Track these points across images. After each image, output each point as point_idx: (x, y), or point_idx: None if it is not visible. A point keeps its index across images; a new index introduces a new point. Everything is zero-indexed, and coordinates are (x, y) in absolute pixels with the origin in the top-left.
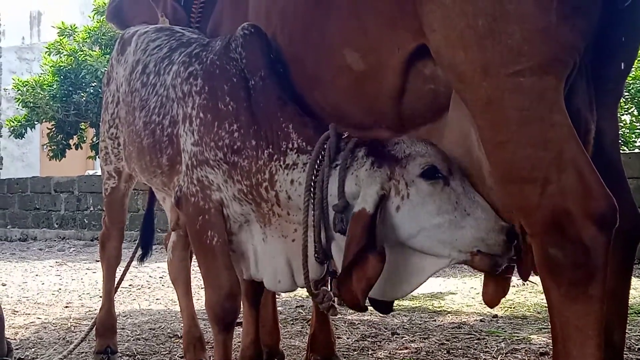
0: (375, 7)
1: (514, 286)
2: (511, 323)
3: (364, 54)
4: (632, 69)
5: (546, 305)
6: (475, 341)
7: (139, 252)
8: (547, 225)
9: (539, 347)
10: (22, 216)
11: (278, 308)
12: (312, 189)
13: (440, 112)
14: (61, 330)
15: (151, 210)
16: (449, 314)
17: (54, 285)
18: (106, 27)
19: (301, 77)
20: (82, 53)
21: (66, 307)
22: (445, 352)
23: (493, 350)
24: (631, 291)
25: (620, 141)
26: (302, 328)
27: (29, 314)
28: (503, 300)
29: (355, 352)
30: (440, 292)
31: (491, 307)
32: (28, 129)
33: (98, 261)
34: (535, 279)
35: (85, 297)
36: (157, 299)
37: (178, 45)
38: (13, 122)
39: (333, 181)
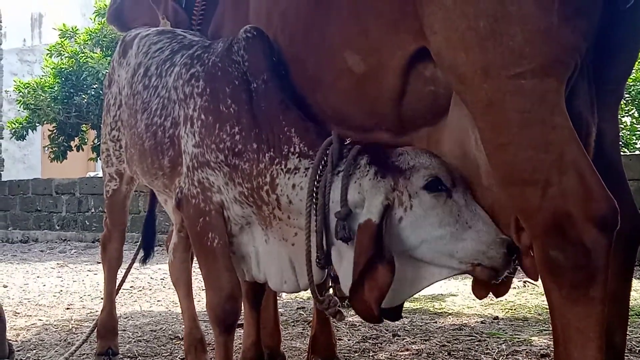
0: (376, 9)
1: (515, 288)
2: (512, 325)
3: (364, 55)
4: (633, 71)
5: (547, 306)
6: (476, 343)
7: (141, 253)
8: (548, 228)
9: (540, 349)
10: (23, 218)
11: (279, 310)
12: (314, 195)
13: (441, 113)
14: (62, 332)
15: (152, 212)
16: (450, 316)
17: (55, 287)
18: (107, 29)
19: (302, 79)
20: (83, 55)
21: (67, 308)
22: (446, 353)
23: (494, 352)
24: (632, 293)
25: (620, 143)
26: (303, 330)
27: (30, 315)
28: (504, 301)
29: (356, 354)
30: (441, 294)
31: (480, 299)
32: (29, 130)
33: (99, 263)
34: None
35: (87, 298)
36: (158, 301)
37: (180, 48)
38: (14, 124)
39: (336, 188)
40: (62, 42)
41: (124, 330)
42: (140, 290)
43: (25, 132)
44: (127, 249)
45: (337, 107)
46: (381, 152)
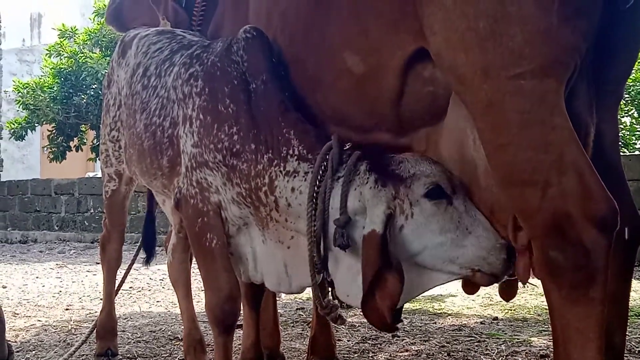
0: (375, 10)
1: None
2: (511, 325)
3: (364, 56)
4: (633, 71)
5: (547, 307)
6: (476, 343)
7: (142, 254)
8: (547, 228)
9: (540, 350)
10: (22, 218)
11: (278, 310)
12: (314, 200)
13: (440, 114)
14: (62, 333)
15: (151, 213)
16: (449, 317)
17: (55, 288)
18: (107, 29)
19: (302, 79)
20: (82, 55)
21: (67, 309)
22: (445, 354)
23: (493, 353)
24: (631, 293)
25: (620, 143)
26: (302, 330)
27: (29, 316)
28: (503, 302)
29: (356, 355)
30: (441, 295)
31: (507, 301)
32: (28, 131)
33: (98, 263)
34: (535, 281)
35: (86, 299)
36: (157, 302)
37: (179, 48)
38: (13, 124)
39: (335, 194)
40: (61, 42)
41: (123, 331)
42: (140, 291)
43: (24, 133)
44: (127, 250)
45: (336, 107)
46: (381, 158)
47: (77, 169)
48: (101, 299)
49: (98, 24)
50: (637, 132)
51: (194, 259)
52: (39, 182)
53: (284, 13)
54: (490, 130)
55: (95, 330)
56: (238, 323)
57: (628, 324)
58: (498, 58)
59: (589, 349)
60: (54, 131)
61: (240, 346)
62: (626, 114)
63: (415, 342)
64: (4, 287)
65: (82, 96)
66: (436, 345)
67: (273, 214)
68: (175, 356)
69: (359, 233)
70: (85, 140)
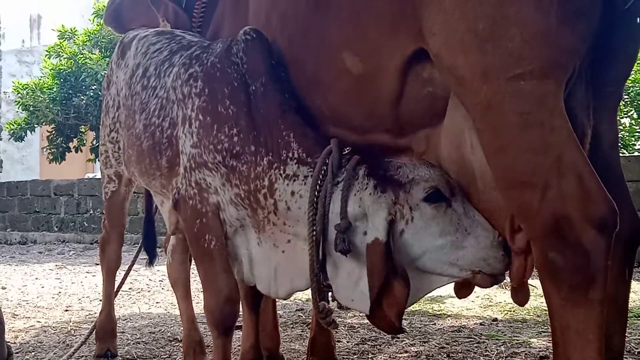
0: (375, 11)
1: None
2: (511, 327)
3: (363, 57)
4: (632, 72)
5: (546, 308)
6: (475, 345)
7: (144, 256)
8: (547, 230)
9: (539, 351)
10: (21, 219)
11: (278, 312)
12: (314, 205)
13: (439, 115)
14: (61, 334)
15: (150, 214)
16: (448, 318)
17: (54, 289)
18: (106, 30)
19: (301, 80)
20: (82, 56)
21: (66, 310)
22: (445, 355)
23: (493, 354)
24: (631, 294)
25: (619, 144)
26: (302, 332)
27: (28, 317)
28: (503, 303)
29: (355, 356)
30: (440, 296)
31: (522, 306)
32: (28, 132)
33: (98, 264)
34: (535, 282)
35: (85, 300)
36: (157, 303)
37: (179, 48)
38: (13, 125)
39: (335, 199)
40: (60, 43)
41: (123, 332)
42: (139, 292)
43: (23, 133)
44: (126, 251)
45: (335, 108)
46: (380, 163)
47: (76, 170)
48: (100, 300)
49: (97, 25)
50: (637, 133)
51: (193, 260)
52: (39, 183)
53: (283, 14)
54: (490, 132)
55: (94, 332)
56: (237, 324)
57: (627, 325)
58: (497, 59)
59: (588, 351)
60: (53, 132)
61: (239, 347)
62: (625, 115)
63: (414, 343)
64: (3, 288)
65: (82, 97)
66: (435, 346)
67: (271, 216)
68: (175, 357)
69: (360, 238)
70: (84, 141)
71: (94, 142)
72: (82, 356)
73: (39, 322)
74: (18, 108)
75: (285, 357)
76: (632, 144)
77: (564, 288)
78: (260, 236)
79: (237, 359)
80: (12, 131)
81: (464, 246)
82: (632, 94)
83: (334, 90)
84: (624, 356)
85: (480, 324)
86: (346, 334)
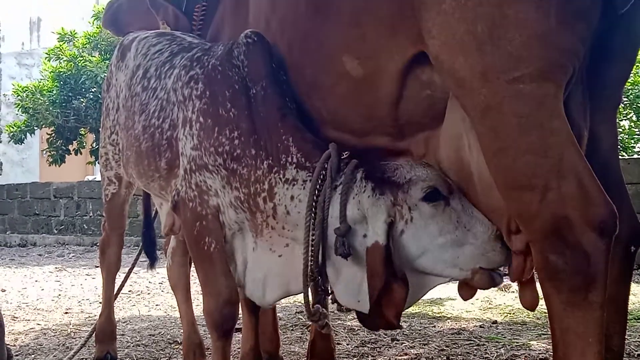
0: (374, 14)
1: (514, 292)
2: (510, 329)
3: (362, 60)
4: (631, 75)
5: (546, 311)
6: (475, 347)
7: (145, 259)
8: (547, 232)
9: (539, 353)
10: (21, 222)
11: (278, 314)
12: (313, 209)
13: (438, 118)
14: (61, 337)
15: (149, 216)
16: (448, 320)
17: (54, 291)
18: (106, 32)
19: (301, 84)
20: (81, 59)
21: (66, 313)
22: (444, 358)
23: (493, 357)
24: (630, 297)
25: (619, 147)
26: (301, 334)
27: (28, 320)
28: (502, 305)
29: (355, 359)
30: (440, 298)
31: (532, 310)
32: (28, 134)
33: (97, 267)
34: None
35: (85, 303)
36: (156, 305)
37: (179, 50)
38: (13, 127)
39: (334, 203)
40: (60, 45)
41: (123, 334)
42: (139, 295)
43: (23, 136)
44: (126, 253)
45: (335, 111)
46: (377, 166)
47: (76, 172)
48: (100, 303)
49: (97, 28)
50: (636, 136)
51: (192, 263)
52: (38, 185)
53: (283, 18)
54: (489, 134)
55: (94, 334)
56: (237, 327)
57: (627, 327)
58: (497, 62)
59: (588, 353)
60: (53, 134)
61: (239, 350)
62: (625, 118)
63: (414, 346)
64: (3, 290)
65: (82, 100)
66: (435, 349)
67: (270, 220)
68: None
69: (359, 241)
70: (84, 144)
71: (94, 144)
72: (82, 359)
73: (38, 324)
74: (18, 110)
75: (285, 359)
76: (632, 147)
77: (564, 290)
78: (257, 240)
79: None
80: (11, 134)
81: (464, 243)
82: (631, 96)
83: (334, 94)
84: (624, 358)
85: (480, 327)
86: (346, 337)
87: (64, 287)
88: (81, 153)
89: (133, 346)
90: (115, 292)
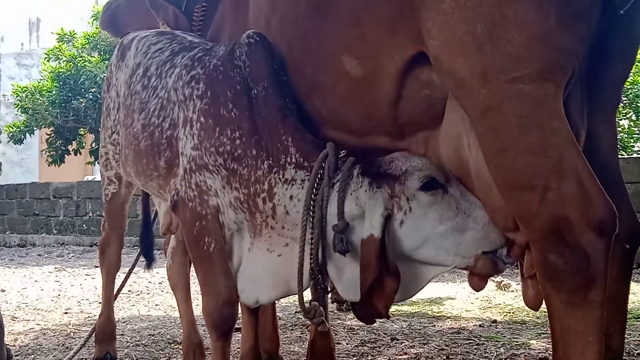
0: (374, 14)
1: (513, 291)
2: (510, 328)
3: (362, 60)
4: (630, 74)
5: (545, 310)
6: (475, 346)
7: (143, 260)
8: (547, 232)
9: (538, 352)
10: (21, 222)
11: (277, 314)
12: (311, 208)
13: (437, 118)
14: (60, 337)
15: (147, 216)
16: (448, 319)
17: (53, 291)
18: (105, 33)
19: (301, 83)
20: (81, 59)
21: (65, 313)
22: (444, 357)
23: (492, 356)
24: (630, 296)
25: (618, 146)
26: (301, 334)
27: (28, 320)
28: (502, 305)
29: (355, 358)
30: (440, 297)
31: (535, 310)
32: (27, 134)
33: (97, 267)
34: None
35: (85, 303)
36: (156, 305)
37: (181, 49)
38: (12, 127)
39: (332, 201)
40: (60, 46)
41: (122, 334)
42: (139, 295)
43: (23, 136)
44: (126, 253)
45: (335, 111)
46: (373, 161)
47: (75, 172)
48: (100, 303)
49: (96, 28)
50: (635, 135)
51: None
52: (38, 185)
53: (283, 17)
54: (489, 134)
55: (94, 334)
56: (236, 327)
57: (627, 326)
58: (496, 62)
59: (588, 352)
60: (52, 135)
61: (239, 350)
62: (624, 117)
63: (414, 345)
64: (3, 290)
65: (81, 100)
66: (435, 348)
67: (269, 220)
68: None
69: (358, 237)
70: (83, 144)
71: (93, 144)
72: (82, 359)
73: (38, 324)
74: (17, 111)
75: (284, 359)
76: (631, 146)
77: (564, 290)
78: (254, 241)
79: None
80: (11, 134)
81: (465, 229)
82: (630, 95)
83: (334, 94)
84: (623, 357)
85: (480, 326)
86: (345, 336)
87: (63, 287)
88: (80, 153)
89: (133, 346)
90: (115, 292)
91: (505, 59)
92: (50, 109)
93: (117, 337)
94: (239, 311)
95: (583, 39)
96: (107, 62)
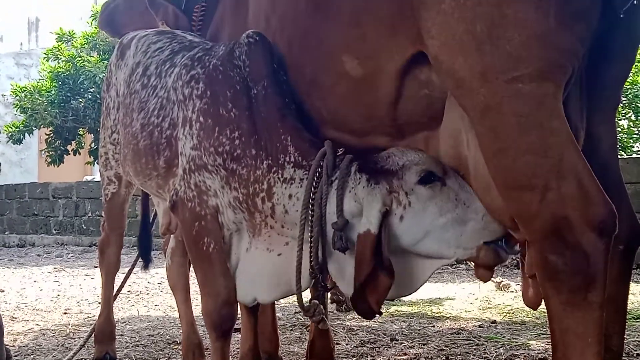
0: (374, 14)
1: (513, 292)
2: (510, 329)
3: (362, 59)
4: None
5: (545, 310)
6: (474, 347)
7: (140, 262)
8: (546, 232)
9: (538, 353)
10: (20, 222)
11: (277, 314)
12: (310, 206)
13: (437, 117)
14: (60, 337)
15: (146, 217)
16: (447, 320)
17: (53, 292)
18: (104, 33)
19: (300, 83)
20: (80, 59)
21: (65, 313)
22: (444, 358)
23: (492, 356)
24: (629, 297)
25: (617, 146)
26: (301, 334)
27: (27, 320)
28: (502, 305)
29: (354, 358)
30: (439, 298)
31: (534, 308)
32: (26, 134)
33: (96, 267)
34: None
35: (84, 303)
36: (155, 305)
37: (180, 49)
38: (11, 127)
39: (331, 199)
40: (59, 45)
41: (122, 335)
42: (138, 295)
43: (22, 136)
44: (125, 253)
45: (335, 111)
46: (370, 158)
47: (75, 172)
48: (99, 303)
49: (96, 28)
50: (635, 135)
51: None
52: (37, 185)
53: (282, 17)
54: (489, 134)
55: (93, 334)
56: (236, 327)
57: (626, 327)
58: (496, 61)
59: (588, 353)
60: (51, 135)
61: (238, 350)
62: (623, 117)
63: (413, 346)
64: (2, 291)
65: (80, 100)
66: (434, 348)
67: (268, 220)
68: None
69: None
70: (83, 144)
71: (92, 144)
72: (81, 359)
73: (37, 325)
74: (16, 111)
75: (284, 359)
76: (630, 146)
77: (564, 290)
78: (252, 241)
79: None
80: (10, 134)
81: (465, 220)
82: (630, 96)
83: (334, 93)
84: (623, 358)
85: (479, 326)
86: (345, 337)
87: (62, 288)
88: (80, 153)
89: (132, 346)
90: (114, 293)
91: (504, 58)
92: (49, 109)
93: (116, 337)
94: (239, 311)
95: (583, 39)
96: (106, 62)
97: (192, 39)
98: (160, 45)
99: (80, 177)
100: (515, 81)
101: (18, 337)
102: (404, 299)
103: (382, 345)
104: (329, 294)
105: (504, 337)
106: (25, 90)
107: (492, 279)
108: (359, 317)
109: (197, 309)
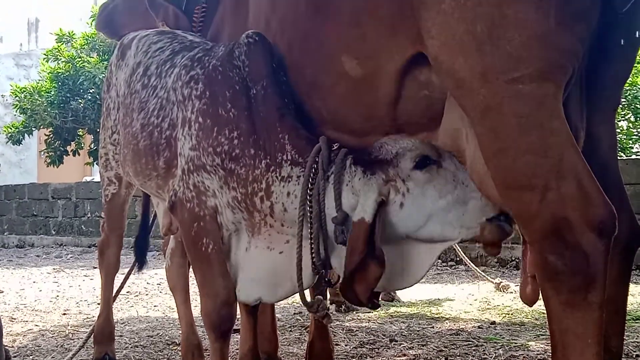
0: (374, 14)
1: (512, 293)
2: (509, 330)
3: (362, 60)
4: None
5: (544, 311)
6: (474, 348)
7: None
8: (546, 233)
9: (537, 354)
10: (19, 222)
11: (276, 315)
12: (307, 203)
13: (436, 118)
14: (59, 338)
15: (146, 217)
16: (447, 321)
17: (52, 292)
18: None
19: (300, 84)
20: (80, 59)
21: (64, 314)
22: (443, 359)
23: (491, 357)
24: (629, 298)
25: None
26: (300, 335)
27: (26, 321)
28: (501, 306)
29: (354, 359)
30: (438, 299)
31: (530, 305)
32: (26, 135)
33: (96, 268)
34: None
35: (83, 304)
36: (155, 306)
37: (181, 49)
38: (11, 128)
39: (329, 194)
40: (58, 46)
41: (121, 335)
42: (137, 296)
43: (21, 137)
44: (125, 254)
45: (335, 111)
46: (364, 149)
47: (74, 173)
48: (98, 304)
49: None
50: (634, 136)
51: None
52: (36, 186)
53: (283, 18)
54: (489, 134)
55: (92, 335)
56: (235, 328)
57: (625, 328)
58: (496, 62)
59: (587, 353)
60: (51, 135)
61: (237, 351)
62: (623, 118)
63: (412, 347)
64: (1, 291)
65: (80, 100)
66: (434, 349)
67: (268, 219)
68: None
69: None
70: (82, 145)
71: (92, 145)
72: None
73: (36, 325)
74: (16, 111)
75: None
76: (630, 147)
77: (563, 291)
78: (252, 240)
79: None
80: (9, 134)
81: (467, 199)
82: (629, 97)
83: (333, 94)
84: (622, 359)
85: (479, 327)
86: (344, 337)
87: (62, 288)
88: (79, 154)
89: (131, 347)
90: (114, 294)
91: (505, 59)
92: (48, 109)
93: (115, 338)
94: (238, 312)
95: (583, 39)
96: (106, 62)
97: (193, 39)
98: (161, 45)
99: (80, 177)
100: (516, 81)
101: (17, 337)
102: (403, 299)
103: (382, 346)
104: (328, 295)
105: (503, 338)
106: (24, 91)
107: (492, 279)
108: (359, 318)
109: (196, 310)
